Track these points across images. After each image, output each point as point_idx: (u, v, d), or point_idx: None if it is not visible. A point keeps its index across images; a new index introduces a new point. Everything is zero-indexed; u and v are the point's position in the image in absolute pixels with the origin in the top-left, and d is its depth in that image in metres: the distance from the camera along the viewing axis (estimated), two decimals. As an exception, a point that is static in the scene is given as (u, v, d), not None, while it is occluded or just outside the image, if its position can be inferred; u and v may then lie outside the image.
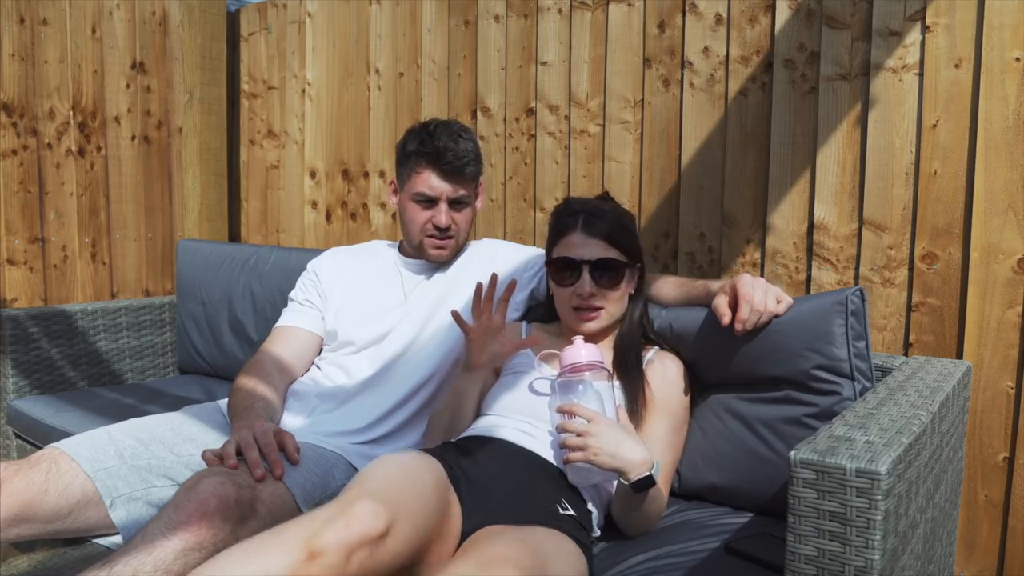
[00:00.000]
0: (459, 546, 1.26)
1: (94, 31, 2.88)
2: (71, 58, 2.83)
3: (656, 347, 1.64)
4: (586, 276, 1.55)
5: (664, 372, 1.58)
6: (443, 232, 1.84)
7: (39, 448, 2.25)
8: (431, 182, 1.80)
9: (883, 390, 1.32)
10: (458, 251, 1.92)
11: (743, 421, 1.56)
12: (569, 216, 1.60)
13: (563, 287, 1.59)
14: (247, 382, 1.75)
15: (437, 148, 1.79)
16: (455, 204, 1.84)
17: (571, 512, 1.34)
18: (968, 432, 1.68)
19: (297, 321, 1.94)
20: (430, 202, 1.82)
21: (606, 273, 1.56)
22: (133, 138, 3.01)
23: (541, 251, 1.88)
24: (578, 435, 1.32)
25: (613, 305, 1.59)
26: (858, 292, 1.47)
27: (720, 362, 1.59)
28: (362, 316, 1.88)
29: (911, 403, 1.22)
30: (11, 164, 2.69)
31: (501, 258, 1.91)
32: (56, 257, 2.82)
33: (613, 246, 1.57)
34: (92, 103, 2.89)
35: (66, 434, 2.03)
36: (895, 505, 0.98)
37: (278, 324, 1.97)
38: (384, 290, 1.91)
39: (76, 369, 2.57)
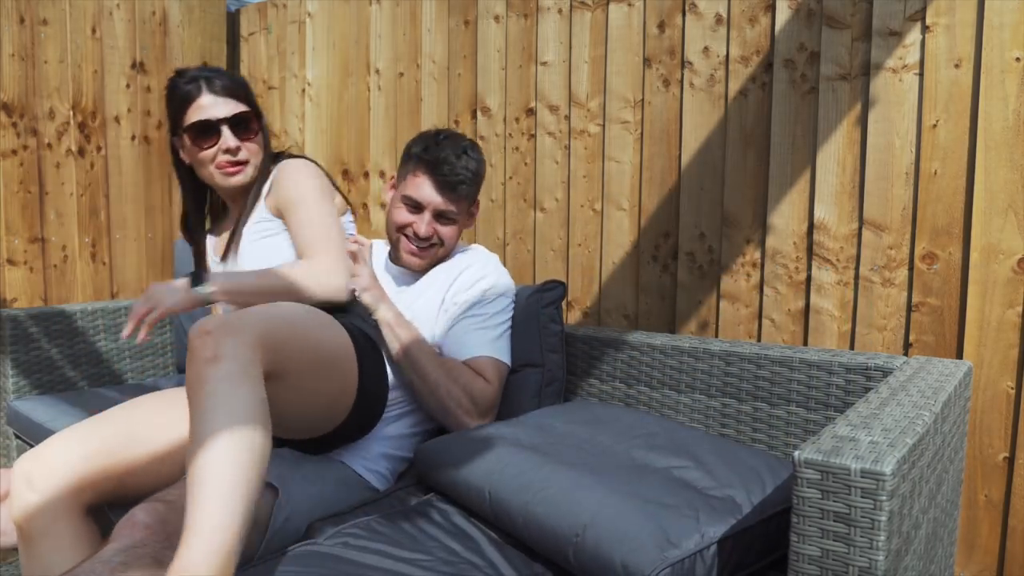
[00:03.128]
0: None
1: (94, 31, 2.88)
2: (71, 58, 2.82)
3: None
4: (227, 132, 1.73)
5: (282, 178, 1.77)
6: (421, 241, 1.85)
7: (40, 448, 2.25)
8: (423, 189, 1.82)
9: (885, 390, 1.33)
10: (433, 264, 1.92)
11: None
12: (189, 83, 1.73)
13: (206, 149, 1.73)
14: None
15: (437, 158, 1.80)
16: (441, 217, 1.85)
17: None
18: (968, 432, 1.68)
19: None
20: (417, 208, 1.83)
21: (247, 126, 1.77)
22: (133, 138, 3.01)
23: (502, 280, 1.92)
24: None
25: (255, 157, 1.79)
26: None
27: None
28: None
29: (914, 403, 1.23)
30: (11, 164, 2.68)
31: (467, 280, 1.89)
32: (56, 257, 2.82)
33: (243, 101, 1.76)
34: (92, 103, 2.89)
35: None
36: (899, 506, 0.99)
37: None
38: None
39: (76, 369, 2.56)
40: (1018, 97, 1.61)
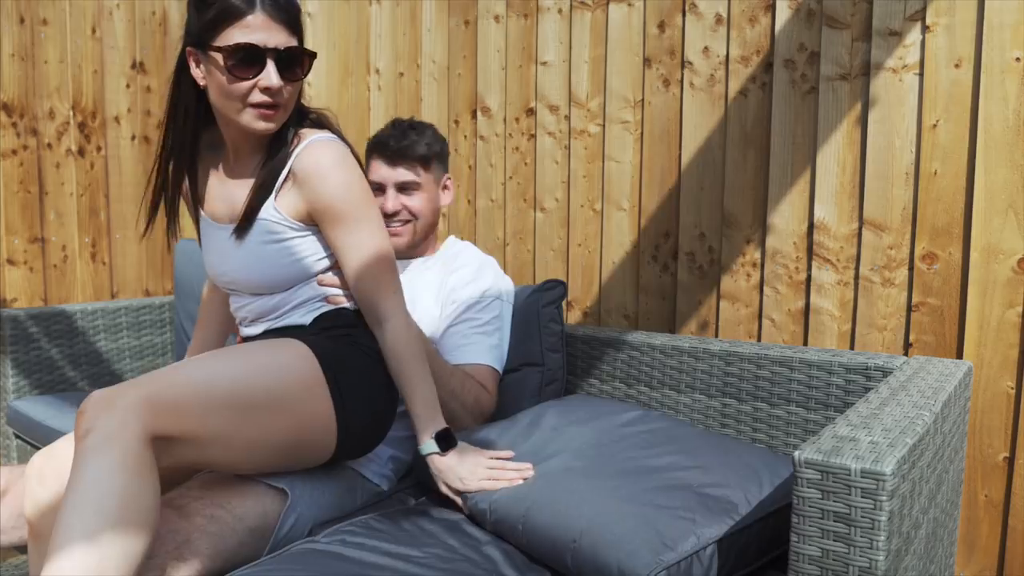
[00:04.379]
0: None
1: (94, 31, 2.88)
2: (71, 58, 2.82)
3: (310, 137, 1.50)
4: (271, 67, 1.38)
5: (315, 162, 1.46)
6: (392, 219, 1.90)
7: (38, 448, 2.25)
8: (378, 171, 1.92)
9: (885, 390, 1.33)
10: (420, 240, 1.96)
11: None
12: None
13: (242, 80, 1.38)
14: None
15: (381, 138, 1.93)
16: (403, 189, 1.91)
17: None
18: (968, 432, 1.68)
19: None
20: (380, 189, 1.91)
21: (294, 65, 1.42)
22: (133, 138, 3.01)
23: (498, 284, 1.93)
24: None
25: (291, 103, 1.47)
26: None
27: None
28: None
29: (914, 403, 1.23)
30: (11, 164, 2.68)
31: (461, 279, 1.91)
32: (56, 257, 2.82)
33: (295, 34, 1.43)
34: (92, 103, 2.89)
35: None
36: (899, 506, 0.99)
37: None
38: None
39: (76, 369, 2.56)
40: (1018, 97, 1.61)
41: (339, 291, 1.54)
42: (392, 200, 1.89)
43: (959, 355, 1.71)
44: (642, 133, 2.16)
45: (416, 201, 1.91)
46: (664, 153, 2.12)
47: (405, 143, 1.89)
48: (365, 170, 1.89)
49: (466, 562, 1.28)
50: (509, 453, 1.53)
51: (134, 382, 1.20)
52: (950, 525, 1.50)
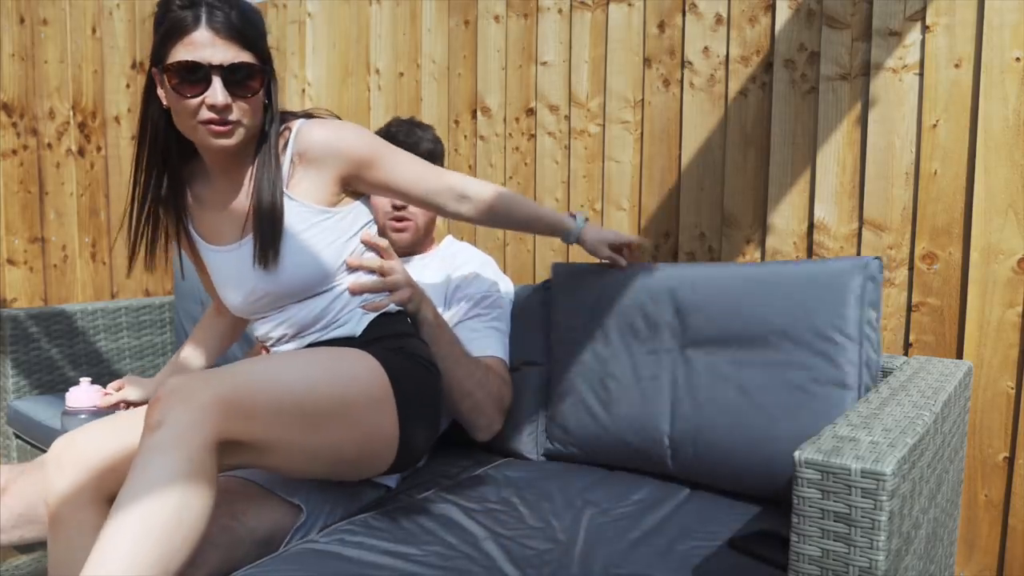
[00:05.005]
0: None
1: (94, 31, 2.88)
2: (71, 58, 2.82)
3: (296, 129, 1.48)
4: (217, 84, 1.34)
5: (322, 134, 1.46)
6: (398, 209, 1.90)
7: (39, 448, 2.26)
8: None
9: (885, 390, 1.33)
10: (422, 236, 1.97)
11: (741, 391, 1.55)
12: (185, 8, 1.33)
13: (187, 99, 1.34)
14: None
15: (389, 132, 1.93)
16: None
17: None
18: (968, 432, 1.68)
19: None
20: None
21: (246, 80, 1.37)
22: (133, 138, 3.01)
23: (500, 282, 1.95)
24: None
25: (249, 118, 1.40)
26: (877, 260, 1.50)
27: (721, 314, 1.61)
28: None
29: (914, 403, 1.23)
30: (11, 164, 2.68)
31: (466, 275, 1.93)
32: (56, 257, 2.82)
33: (248, 48, 1.37)
34: (92, 103, 2.89)
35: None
36: (899, 506, 0.99)
37: None
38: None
39: (76, 369, 2.56)
40: (1018, 97, 1.61)
41: (378, 296, 1.54)
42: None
43: (959, 355, 1.71)
44: (642, 133, 2.16)
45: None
46: (664, 153, 2.12)
47: (412, 139, 1.91)
48: None
49: (465, 559, 1.28)
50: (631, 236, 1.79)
51: (211, 378, 1.17)
52: (950, 525, 1.50)
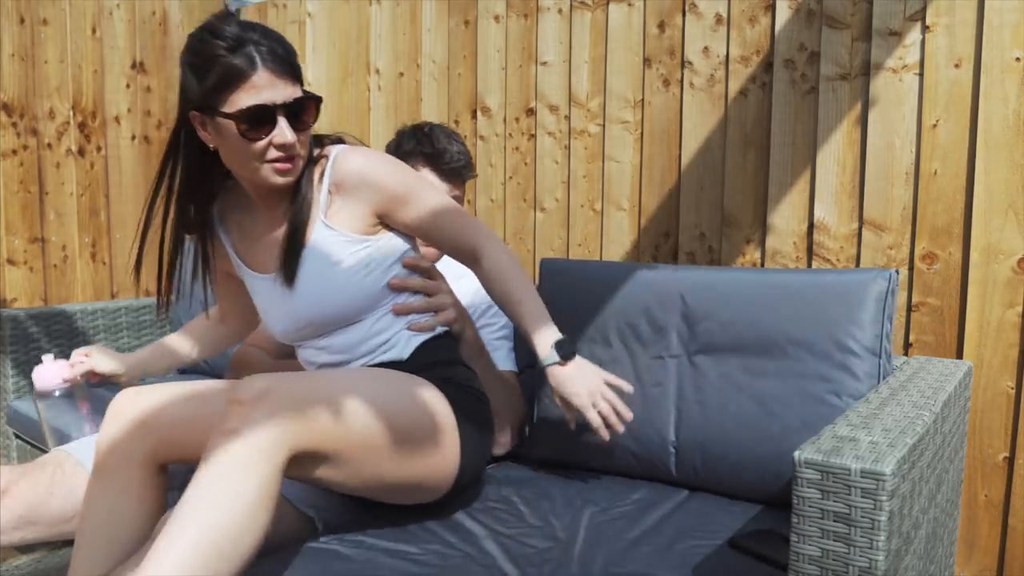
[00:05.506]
0: None
1: (94, 31, 2.88)
2: (71, 58, 2.82)
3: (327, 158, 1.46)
4: (284, 123, 1.33)
5: (358, 166, 1.43)
6: None
7: (39, 449, 2.26)
8: (431, 181, 1.80)
9: (885, 390, 1.33)
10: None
11: (756, 400, 1.54)
12: (237, 53, 1.30)
13: (256, 142, 1.33)
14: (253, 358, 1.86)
15: (436, 149, 1.81)
16: None
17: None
18: (968, 432, 1.68)
19: None
20: None
21: (303, 114, 1.38)
22: (133, 138, 3.01)
23: None
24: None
25: (305, 149, 1.42)
26: (896, 272, 1.50)
27: (735, 321, 1.59)
28: None
29: (914, 403, 1.23)
30: (11, 164, 2.68)
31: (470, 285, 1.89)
32: (56, 257, 2.82)
33: (297, 80, 1.37)
34: (92, 103, 2.89)
35: (66, 435, 2.03)
36: (899, 506, 0.99)
37: None
38: None
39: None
40: (1018, 97, 1.61)
41: (425, 316, 1.50)
42: None
43: (959, 355, 1.71)
44: (642, 133, 2.16)
45: None
46: (664, 153, 2.12)
47: (461, 162, 1.83)
48: None
49: (464, 558, 1.28)
50: (627, 385, 1.48)
51: (296, 391, 1.16)
52: (950, 525, 1.50)
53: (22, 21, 2.69)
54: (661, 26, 2.11)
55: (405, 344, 1.47)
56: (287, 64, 1.34)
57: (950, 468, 1.41)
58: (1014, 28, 1.60)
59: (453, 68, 2.57)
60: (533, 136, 2.38)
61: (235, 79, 1.29)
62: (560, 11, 2.29)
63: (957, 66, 1.68)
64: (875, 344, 1.46)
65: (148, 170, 3.08)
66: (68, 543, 1.57)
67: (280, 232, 1.47)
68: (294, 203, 1.42)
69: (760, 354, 1.55)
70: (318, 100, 1.40)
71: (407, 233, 1.50)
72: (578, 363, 1.43)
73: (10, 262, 2.70)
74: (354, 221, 1.44)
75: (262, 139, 1.33)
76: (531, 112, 2.38)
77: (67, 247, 2.84)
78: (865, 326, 1.47)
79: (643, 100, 2.15)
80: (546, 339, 1.43)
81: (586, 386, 1.42)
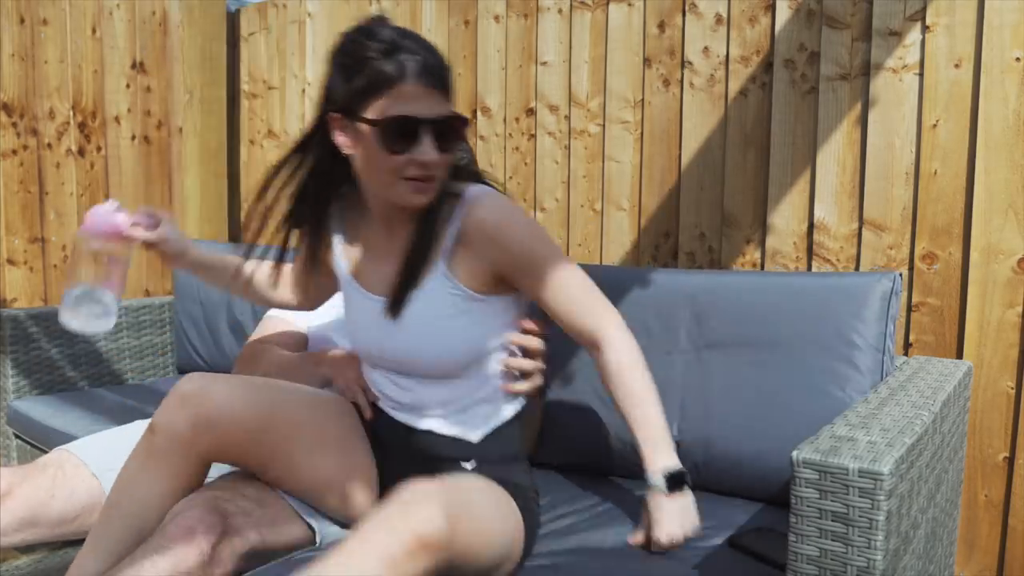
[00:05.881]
0: None
1: (94, 31, 2.88)
2: (71, 58, 2.83)
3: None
4: (428, 140, 1.23)
5: (494, 221, 1.32)
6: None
7: (39, 449, 2.26)
8: None
9: (884, 390, 1.33)
10: None
11: (760, 392, 1.54)
12: (389, 60, 1.22)
13: (396, 155, 1.24)
14: (265, 350, 1.78)
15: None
16: None
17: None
18: (968, 432, 1.68)
19: (284, 313, 1.96)
20: None
21: (449, 134, 1.27)
22: (133, 138, 3.01)
23: None
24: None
25: (443, 172, 1.31)
26: (899, 275, 1.52)
27: (743, 318, 1.59)
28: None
29: (912, 403, 1.23)
30: (11, 164, 2.69)
31: None
32: (56, 257, 2.82)
33: (448, 98, 1.28)
34: (92, 103, 2.89)
35: (66, 435, 2.03)
36: (897, 505, 0.98)
37: (268, 314, 1.99)
38: None
39: (76, 369, 2.57)
40: (1018, 97, 1.61)
41: (528, 385, 1.42)
42: None
43: (959, 355, 1.71)
44: (642, 133, 2.16)
45: None
46: (664, 153, 2.12)
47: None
48: None
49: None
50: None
51: (451, 496, 1.11)
52: (949, 525, 1.50)
53: (22, 21, 2.69)
54: (661, 26, 2.10)
55: (479, 425, 1.40)
56: (440, 79, 1.25)
57: (949, 468, 1.41)
58: (1014, 28, 1.60)
59: (453, 68, 2.57)
60: (533, 136, 2.38)
61: (383, 85, 1.21)
62: (560, 11, 2.29)
63: (957, 66, 1.68)
64: (879, 341, 1.47)
65: (148, 170, 3.08)
66: (69, 544, 1.57)
67: (395, 257, 1.36)
68: (419, 235, 1.32)
69: (767, 348, 1.56)
70: (465, 121, 1.29)
71: (526, 298, 1.40)
72: (682, 501, 1.32)
73: (10, 262, 2.70)
74: (474, 278, 1.33)
75: (403, 153, 1.23)
76: (531, 112, 2.38)
77: (67, 247, 2.84)
78: (870, 323, 1.48)
79: (643, 100, 2.15)
80: (659, 461, 1.31)
81: (681, 528, 1.30)
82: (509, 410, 1.42)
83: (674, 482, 1.30)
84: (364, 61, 1.21)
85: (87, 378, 2.59)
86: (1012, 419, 1.65)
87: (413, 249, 1.32)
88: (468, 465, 1.38)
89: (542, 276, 1.32)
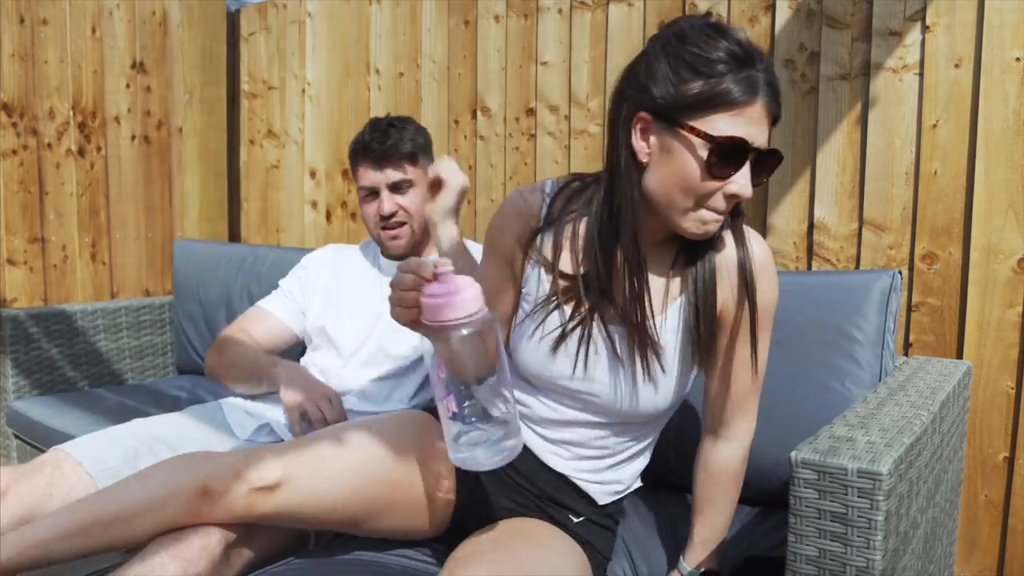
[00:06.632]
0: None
1: (94, 31, 2.88)
2: (71, 58, 2.83)
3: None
4: (746, 170, 1.09)
5: (766, 261, 1.22)
6: (388, 219, 1.86)
7: (39, 449, 2.26)
8: (367, 176, 1.87)
9: (883, 390, 1.32)
10: (418, 239, 1.90)
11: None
12: (738, 71, 1.05)
13: (714, 180, 1.08)
14: (237, 340, 1.88)
15: (363, 142, 1.88)
16: (396, 189, 1.86)
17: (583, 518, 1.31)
18: (968, 432, 1.68)
19: (274, 308, 2.02)
20: (373, 194, 1.88)
21: (762, 169, 1.11)
22: (133, 138, 3.01)
23: None
24: None
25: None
26: (900, 273, 1.53)
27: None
28: (340, 314, 1.91)
29: (912, 403, 1.23)
30: (11, 164, 2.69)
31: None
32: (56, 257, 2.82)
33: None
34: (92, 103, 2.89)
35: (66, 435, 2.03)
36: (896, 505, 0.98)
37: (258, 304, 2.04)
38: (365, 287, 1.92)
39: (76, 369, 2.57)
40: (1018, 97, 1.61)
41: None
42: (388, 202, 1.83)
43: (959, 355, 1.70)
44: (642, 133, 2.16)
45: (410, 199, 1.86)
46: (664, 153, 2.12)
47: (389, 143, 1.84)
48: (354, 176, 1.91)
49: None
50: None
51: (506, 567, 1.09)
52: (949, 525, 1.49)
53: (22, 21, 2.69)
54: (661, 26, 2.10)
55: (613, 490, 1.35)
56: (779, 105, 1.10)
57: (949, 468, 1.41)
58: (1014, 28, 1.60)
59: (453, 68, 2.57)
60: (533, 136, 2.38)
61: (728, 99, 1.04)
62: (560, 11, 2.29)
63: (957, 66, 1.67)
64: (879, 336, 1.48)
65: (148, 170, 3.08)
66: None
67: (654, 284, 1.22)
68: (698, 277, 1.20)
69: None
70: (781, 158, 1.14)
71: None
72: None
73: (10, 262, 2.71)
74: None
75: (721, 179, 1.07)
76: (531, 112, 2.38)
77: (67, 247, 2.84)
78: (870, 318, 1.50)
79: (643, 100, 2.15)
80: (701, 559, 1.28)
81: None
82: (636, 480, 1.38)
83: None
84: (713, 64, 1.05)
85: (87, 378, 2.59)
86: (1012, 419, 1.65)
87: (697, 297, 1.19)
88: (574, 518, 1.31)
89: (747, 342, 1.22)
